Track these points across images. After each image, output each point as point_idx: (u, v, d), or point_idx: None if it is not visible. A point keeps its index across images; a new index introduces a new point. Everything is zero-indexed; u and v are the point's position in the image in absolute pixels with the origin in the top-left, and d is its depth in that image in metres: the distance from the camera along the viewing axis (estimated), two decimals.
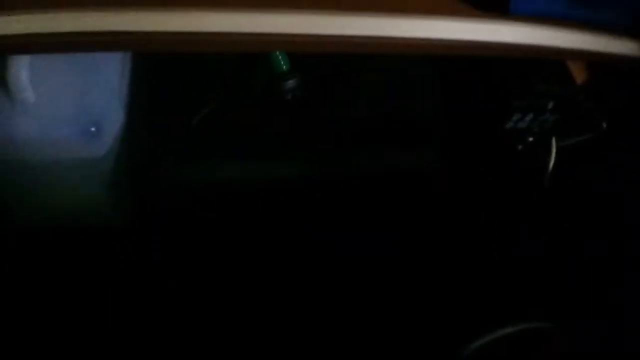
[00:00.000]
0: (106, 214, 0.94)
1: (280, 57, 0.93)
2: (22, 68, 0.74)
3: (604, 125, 1.02)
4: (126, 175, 0.89)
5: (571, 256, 1.02)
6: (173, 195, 0.93)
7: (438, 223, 1.02)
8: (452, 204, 1.03)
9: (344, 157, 0.95)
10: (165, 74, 0.94)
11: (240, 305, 0.93)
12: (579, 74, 1.03)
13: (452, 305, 0.97)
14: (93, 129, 0.80)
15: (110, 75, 0.84)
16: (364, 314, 0.95)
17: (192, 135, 0.92)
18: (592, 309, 0.95)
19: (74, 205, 0.91)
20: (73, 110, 0.79)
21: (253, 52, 0.88)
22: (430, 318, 0.95)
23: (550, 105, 0.92)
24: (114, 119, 0.84)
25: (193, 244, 0.96)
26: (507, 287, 0.99)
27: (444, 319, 0.95)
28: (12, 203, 0.91)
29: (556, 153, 1.05)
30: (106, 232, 0.95)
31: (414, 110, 0.99)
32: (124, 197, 0.93)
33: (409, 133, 0.97)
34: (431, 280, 0.99)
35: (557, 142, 1.03)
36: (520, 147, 0.99)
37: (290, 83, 0.93)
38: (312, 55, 0.73)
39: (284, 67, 0.94)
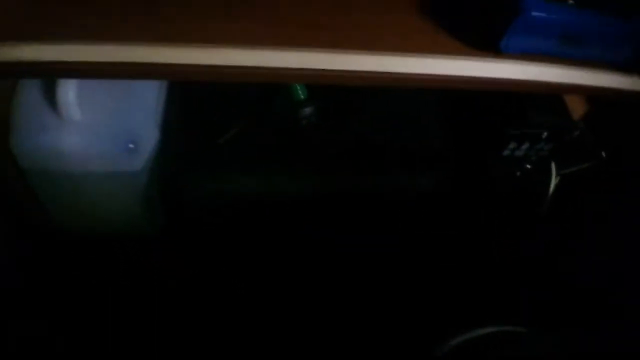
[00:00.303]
0: (139, 223, 0.98)
1: (298, 87, 0.99)
2: (70, 89, 0.79)
3: (603, 154, 1.07)
4: (158, 188, 0.95)
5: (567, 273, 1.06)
6: (200, 206, 0.97)
7: (436, 231, 1.06)
8: (454, 219, 1.07)
9: (352, 175, 0.99)
10: (196, 100, 0.99)
11: (258, 305, 0.98)
12: (579, 106, 1.07)
13: (435, 303, 1.01)
14: (131, 145, 0.85)
15: (148, 99, 0.89)
16: (358, 311, 1.00)
17: (218, 153, 0.95)
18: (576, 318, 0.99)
19: (111, 214, 0.96)
20: (114, 128, 0.84)
21: (274, 83, 0.93)
22: (414, 314, 0.99)
23: (545, 135, 0.96)
24: (150, 138, 0.89)
25: (217, 249, 1.01)
26: (491, 289, 1.04)
27: (427, 315, 0.99)
28: (55, 211, 0.95)
29: (559, 180, 1.10)
30: (139, 240, 1.00)
31: (420, 135, 1.03)
32: (156, 207, 0.98)
33: (415, 156, 1.01)
34: (421, 279, 1.04)
35: (557, 169, 1.08)
36: (518, 173, 1.03)
37: (307, 110, 0.99)
38: (327, 86, 0.79)
39: (302, 96, 0.99)
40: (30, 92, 0.83)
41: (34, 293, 0.96)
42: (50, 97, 0.81)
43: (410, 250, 1.05)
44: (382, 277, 1.03)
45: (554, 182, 1.07)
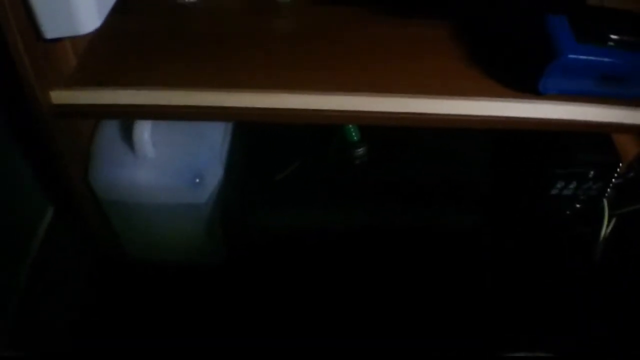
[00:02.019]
0: (203, 253, 1.01)
1: (352, 129, 1.03)
2: (145, 130, 0.84)
3: None
4: (221, 220, 0.98)
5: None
6: (259, 237, 1.01)
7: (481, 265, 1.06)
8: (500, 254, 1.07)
9: (400, 212, 1.02)
10: (257, 139, 1.05)
11: (316, 333, 0.99)
12: (632, 146, 1.08)
13: (471, 328, 1.00)
14: (197, 180, 0.89)
15: (214, 139, 0.93)
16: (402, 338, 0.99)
17: (276, 189, 1.00)
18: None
19: (178, 243, 0.99)
20: (183, 164, 0.88)
21: (328, 124, 0.96)
22: (450, 338, 0.99)
23: (591, 173, 0.95)
24: (215, 173, 0.92)
25: (275, 278, 1.03)
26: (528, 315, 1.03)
27: (461, 340, 0.99)
28: (127, 239, 1.00)
29: (616, 221, 1.10)
30: (203, 268, 1.02)
31: (467, 175, 1.06)
32: (218, 238, 1.00)
33: (462, 195, 1.04)
34: (459, 305, 1.03)
35: (610, 209, 1.08)
36: (568, 212, 1.02)
37: (359, 151, 1.03)
38: (378, 128, 0.82)
39: (355, 138, 1.03)
40: (109, 130, 0.89)
41: (104, 316, 1.00)
42: (127, 135, 0.86)
43: (455, 281, 1.06)
44: (424, 305, 1.04)
45: (606, 222, 1.07)
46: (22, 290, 0.88)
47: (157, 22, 0.87)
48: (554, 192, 0.99)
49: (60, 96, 0.74)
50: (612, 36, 0.72)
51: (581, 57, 0.71)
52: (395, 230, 1.03)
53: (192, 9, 0.88)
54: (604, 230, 1.07)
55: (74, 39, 0.76)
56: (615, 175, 0.99)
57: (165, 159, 0.88)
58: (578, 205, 1.02)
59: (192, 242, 0.99)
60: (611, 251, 1.09)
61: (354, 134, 1.04)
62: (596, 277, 1.09)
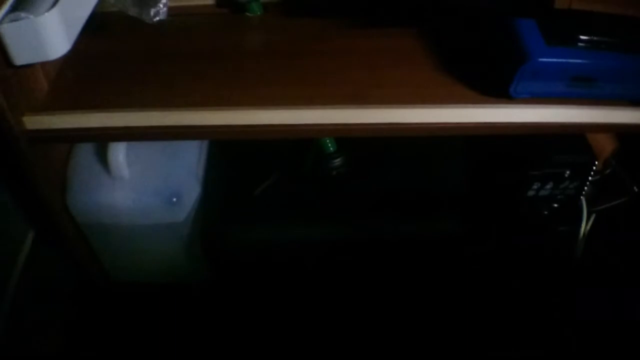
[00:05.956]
0: (183, 271, 1.01)
1: (328, 141, 1.02)
2: (119, 151, 0.84)
3: (635, 189, 1.07)
4: (200, 237, 0.98)
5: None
6: (239, 253, 1.00)
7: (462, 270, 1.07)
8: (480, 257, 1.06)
9: (380, 221, 1.01)
10: (233, 155, 1.05)
11: (297, 350, 0.99)
12: (608, 143, 1.09)
13: (457, 332, 1.01)
14: (174, 199, 0.88)
15: (189, 157, 0.93)
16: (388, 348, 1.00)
17: (254, 204, 0.99)
18: None
19: (157, 262, 0.99)
20: (159, 184, 0.88)
21: (303, 137, 0.94)
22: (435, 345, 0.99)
23: (567, 173, 0.95)
24: (192, 191, 0.92)
25: (255, 295, 1.03)
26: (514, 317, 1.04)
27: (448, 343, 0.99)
28: (107, 260, 1.00)
29: (594, 217, 1.11)
30: (185, 286, 1.03)
31: (444, 182, 1.06)
32: (198, 256, 1.00)
33: (440, 202, 1.03)
34: (444, 311, 1.04)
35: (589, 207, 1.08)
36: (546, 212, 1.01)
37: (336, 162, 1.02)
38: (355, 139, 0.81)
39: (331, 148, 1.03)
40: (84, 153, 0.89)
41: (89, 339, 1.00)
42: (102, 158, 0.86)
43: (436, 286, 1.06)
44: (408, 313, 1.05)
45: (585, 219, 1.08)
46: (6, 315, 0.87)
47: (127, 43, 0.87)
48: (531, 193, 0.99)
49: (34, 121, 0.74)
50: (582, 37, 0.72)
51: (551, 59, 0.71)
52: (377, 239, 1.03)
53: (162, 28, 0.88)
54: (584, 228, 1.08)
55: (45, 64, 0.76)
56: (592, 173, 0.98)
57: (142, 180, 0.88)
58: (555, 205, 1.02)
59: (173, 261, 0.99)
60: (592, 247, 1.09)
61: (329, 145, 1.04)
62: (578, 274, 1.10)
